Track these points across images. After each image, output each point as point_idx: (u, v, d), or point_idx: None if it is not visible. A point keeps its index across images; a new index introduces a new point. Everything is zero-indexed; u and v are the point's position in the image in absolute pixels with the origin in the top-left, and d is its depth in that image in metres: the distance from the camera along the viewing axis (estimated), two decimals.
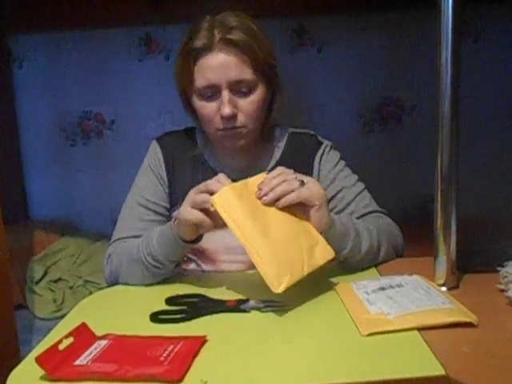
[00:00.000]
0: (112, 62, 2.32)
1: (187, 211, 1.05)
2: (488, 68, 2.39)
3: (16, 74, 2.36)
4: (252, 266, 1.24)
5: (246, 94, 1.20)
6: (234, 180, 1.24)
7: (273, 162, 1.32)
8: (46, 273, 2.16)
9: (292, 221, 1.04)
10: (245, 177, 1.16)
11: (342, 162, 1.35)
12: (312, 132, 1.40)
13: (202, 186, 1.05)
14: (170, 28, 2.27)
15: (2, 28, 2.26)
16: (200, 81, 1.19)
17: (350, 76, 2.39)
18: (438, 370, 0.70)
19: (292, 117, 2.22)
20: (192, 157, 1.33)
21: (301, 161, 1.32)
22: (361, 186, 1.33)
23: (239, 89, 1.19)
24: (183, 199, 1.11)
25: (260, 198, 1.03)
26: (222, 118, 1.19)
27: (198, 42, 1.17)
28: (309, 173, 1.29)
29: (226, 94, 1.17)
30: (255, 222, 0.99)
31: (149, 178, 1.32)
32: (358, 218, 1.26)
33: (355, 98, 2.41)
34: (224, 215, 0.99)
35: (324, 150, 1.34)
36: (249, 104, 1.20)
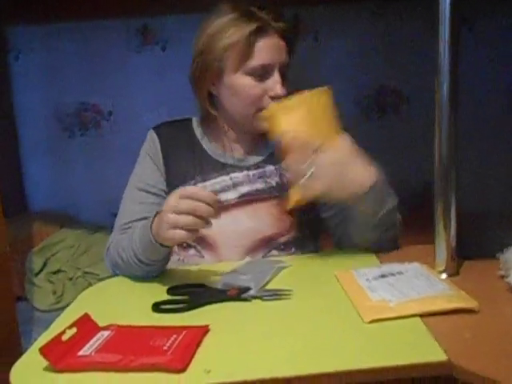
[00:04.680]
0: (109, 53, 2.30)
1: (169, 233, 1.01)
2: (483, 56, 2.39)
3: (13, 66, 2.34)
4: (251, 251, 1.27)
5: (281, 79, 1.25)
6: (230, 165, 1.32)
7: (270, 150, 1.33)
8: (45, 264, 2.16)
9: None
10: (241, 165, 1.31)
11: None
12: None
13: (183, 200, 1.00)
14: (166, 19, 2.26)
15: None
16: (258, 59, 1.22)
17: (346, 64, 2.39)
18: (440, 356, 0.71)
19: None
20: (189, 144, 1.36)
21: None
22: None
23: (281, 73, 1.25)
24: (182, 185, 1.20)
25: None
26: (273, 97, 1.23)
27: (255, 23, 1.21)
28: None
29: (277, 75, 1.23)
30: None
31: (147, 164, 1.35)
32: None
33: (352, 87, 2.41)
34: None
35: None
36: (284, 89, 1.25)
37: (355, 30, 2.36)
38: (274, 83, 1.23)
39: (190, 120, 1.41)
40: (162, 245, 1.07)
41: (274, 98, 1.22)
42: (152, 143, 1.36)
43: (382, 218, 1.13)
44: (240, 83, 1.25)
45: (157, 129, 1.38)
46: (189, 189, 1.03)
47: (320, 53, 2.36)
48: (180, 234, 1.00)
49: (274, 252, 1.28)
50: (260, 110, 1.23)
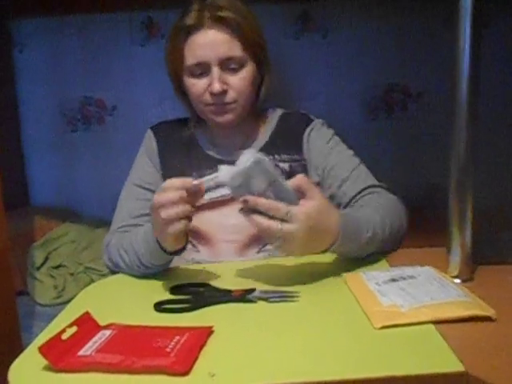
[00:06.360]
0: (113, 46, 2.28)
1: (167, 230, 0.99)
2: (498, 55, 2.36)
3: (17, 59, 2.33)
4: (246, 246, 1.27)
5: (235, 71, 1.25)
6: (226, 161, 1.26)
7: (263, 142, 1.37)
8: (46, 259, 2.15)
9: None
10: (236, 156, 1.19)
11: (336, 138, 1.38)
12: (303, 111, 1.44)
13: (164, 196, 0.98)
14: (171, 12, 2.23)
15: (3, 13, 2.23)
16: (190, 59, 1.24)
17: (355, 62, 2.36)
18: (458, 367, 0.67)
19: (296, 103, 2.20)
20: (185, 142, 1.38)
21: (291, 138, 1.36)
22: (356, 160, 1.34)
23: (229, 65, 1.24)
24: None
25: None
26: (212, 94, 1.24)
27: (188, 20, 1.22)
28: (298, 148, 1.35)
29: (215, 70, 1.22)
30: None
31: (144, 162, 1.38)
32: (355, 195, 1.27)
33: (360, 85, 2.38)
34: None
35: (314, 126, 1.38)
36: (238, 80, 1.25)
37: (364, 27, 2.33)
38: (212, 80, 1.23)
39: (186, 119, 1.44)
40: (165, 251, 1.07)
41: (213, 94, 1.24)
42: (149, 141, 1.40)
43: (370, 248, 1.10)
44: (186, 83, 1.29)
45: (154, 128, 1.43)
46: (164, 184, 1.01)
47: (328, 50, 2.34)
48: (178, 225, 0.98)
49: (269, 246, 1.27)
50: (206, 104, 1.27)
